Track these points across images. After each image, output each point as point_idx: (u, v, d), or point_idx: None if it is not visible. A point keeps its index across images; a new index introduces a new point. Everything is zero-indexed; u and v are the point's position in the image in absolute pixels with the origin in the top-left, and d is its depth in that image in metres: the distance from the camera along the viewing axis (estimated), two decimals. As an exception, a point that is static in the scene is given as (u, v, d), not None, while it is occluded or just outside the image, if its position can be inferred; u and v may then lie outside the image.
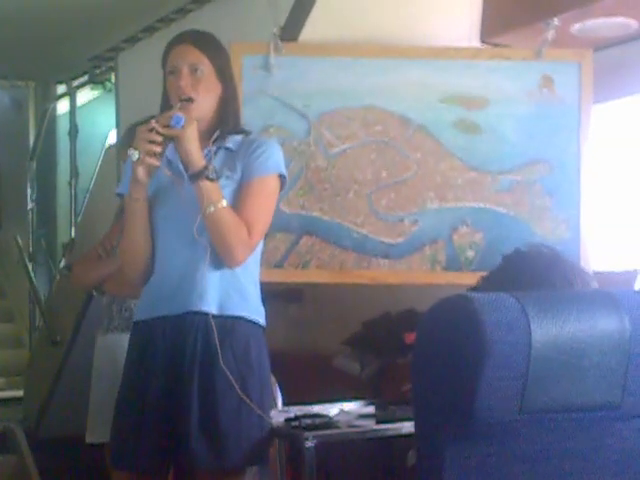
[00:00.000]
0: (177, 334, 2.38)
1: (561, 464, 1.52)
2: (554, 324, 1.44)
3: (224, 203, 2.33)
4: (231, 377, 2.32)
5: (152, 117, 2.56)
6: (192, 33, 2.52)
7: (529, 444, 1.50)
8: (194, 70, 2.42)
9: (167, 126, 2.30)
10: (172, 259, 2.42)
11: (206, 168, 2.31)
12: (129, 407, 2.43)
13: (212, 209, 2.31)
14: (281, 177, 2.49)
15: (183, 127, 2.30)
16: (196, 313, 2.37)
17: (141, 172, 2.32)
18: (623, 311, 1.48)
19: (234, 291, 2.41)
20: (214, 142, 2.44)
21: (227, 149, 2.47)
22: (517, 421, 1.46)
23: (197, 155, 2.33)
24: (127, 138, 3.14)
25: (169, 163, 2.43)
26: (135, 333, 2.49)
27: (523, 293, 1.47)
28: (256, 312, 2.46)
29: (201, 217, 2.33)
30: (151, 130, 2.30)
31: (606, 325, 1.47)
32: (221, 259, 2.38)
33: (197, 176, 2.31)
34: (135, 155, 2.30)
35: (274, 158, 2.46)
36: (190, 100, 2.39)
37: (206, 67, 2.44)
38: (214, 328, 2.34)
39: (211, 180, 2.32)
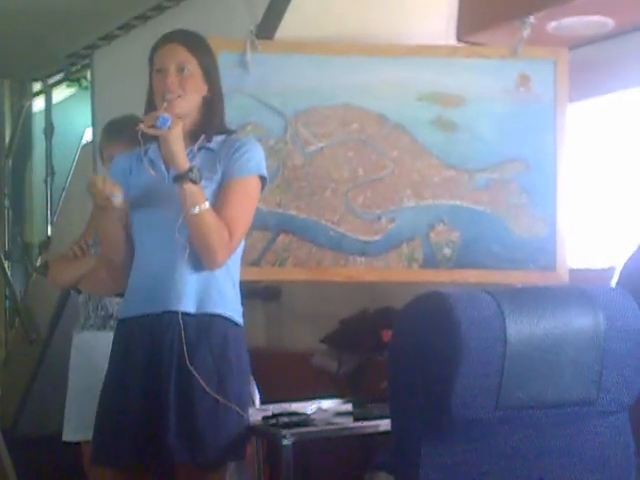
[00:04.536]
0: (156, 333, 2.39)
1: (537, 460, 1.52)
2: (529, 321, 1.44)
3: (207, 205, 2.33)
4: (202, 381, 2.33)
5: (131, 115, 2.56)
6: (181, 33, 2.52)
7: (505, 440, 1.51)
8: (181, 69, 2.43)
9: (153, 126, 2.30)
10: (152, 258, 2.43)
11: (190, 170, 2.31)
12: (112, 403, 2.44)
13: (196, 211, 2.32)
14: (262, 178, 2.49)
15: (169, 128, 2.30)
16: (174, 312, 2.37)
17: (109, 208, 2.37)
18: (598, 307, 1.49)
19: (212, 289, 2.42)
20: (197, 143, 2.44)
21: (207, 149, 2.47)
22: (493, 417, 1.47)
23: (182, 157, 2.33)
24: (104, 136, 3.12)
25: (151, 162, 2.44)
26: (118, 330, 2.51)
27: (497, 290, 1.48)
28: (234, 310, 2.46)
29: (183, 218, 2.33)
30: (137, 132, 2.31)
31: (581, 321, 1.48)
32: (200, 259, 2.38)
33: (181, 178, 2.31)
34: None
35: (255, 159, 2.47)
36: (177, 98, 2.40)
37: (193, 67, 2.44)
38: (182, 329, 2.34)
39: (194, 182, 2.31)
